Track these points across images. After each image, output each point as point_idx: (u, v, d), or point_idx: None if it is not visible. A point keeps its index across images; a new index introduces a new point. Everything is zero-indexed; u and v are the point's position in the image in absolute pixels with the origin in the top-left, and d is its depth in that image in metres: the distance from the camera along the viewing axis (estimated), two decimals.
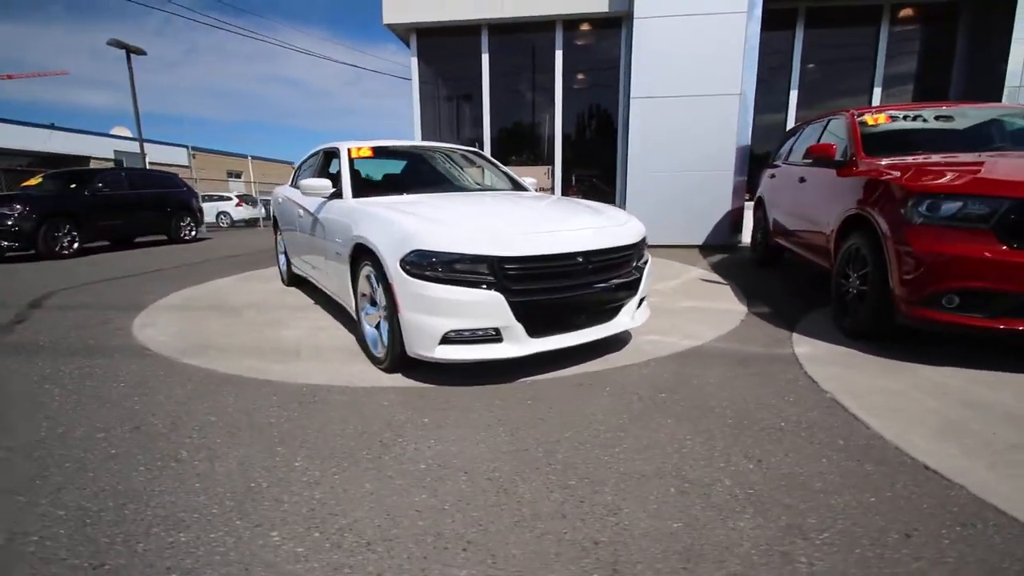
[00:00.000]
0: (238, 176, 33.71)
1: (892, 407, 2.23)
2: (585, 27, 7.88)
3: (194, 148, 29.71)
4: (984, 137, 3.84)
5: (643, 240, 2.92)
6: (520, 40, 8.15)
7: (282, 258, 5.23)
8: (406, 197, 3.24)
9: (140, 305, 4.37)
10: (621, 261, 2.73)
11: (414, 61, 8.22)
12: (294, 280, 4.92)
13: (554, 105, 8.13)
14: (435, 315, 2.32)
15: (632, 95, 7.07)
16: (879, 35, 7.45)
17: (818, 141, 4.52)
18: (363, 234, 2.64)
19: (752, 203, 7.10)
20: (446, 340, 2.35)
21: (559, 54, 7.96)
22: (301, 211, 3.95)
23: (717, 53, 6.80)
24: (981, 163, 2.92)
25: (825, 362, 2.78)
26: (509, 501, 1.58)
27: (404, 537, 1.42)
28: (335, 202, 3.29)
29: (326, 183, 3.32)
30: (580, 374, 2.66)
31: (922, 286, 2.67)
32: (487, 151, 8.14)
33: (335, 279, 3.33)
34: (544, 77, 8.14)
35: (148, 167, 15.11)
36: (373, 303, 2.88)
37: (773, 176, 5.51)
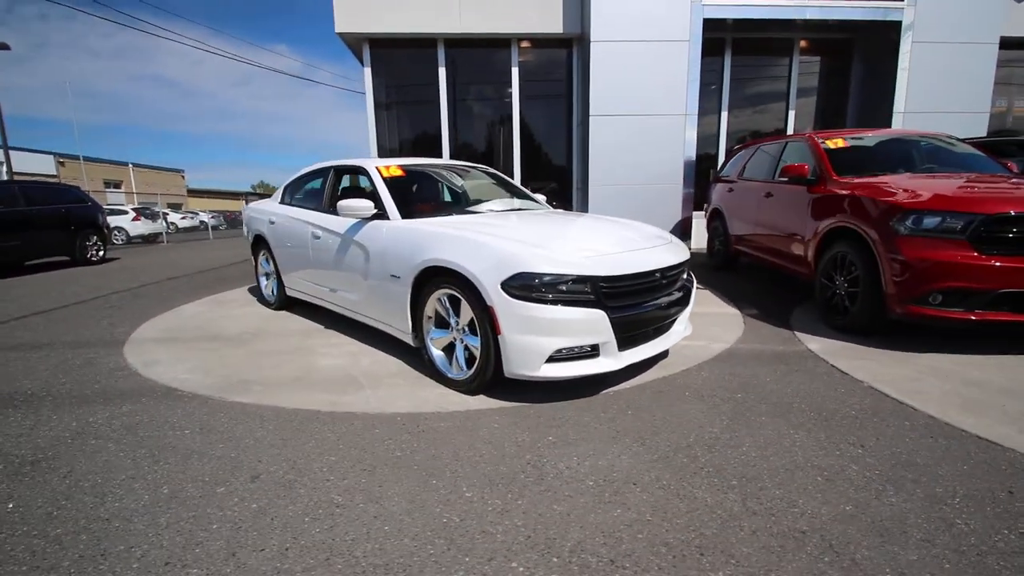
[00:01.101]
0: (117, 186, 30.03)
1: (918, 390, 2.67)
2: (540, 46, 8.18)
3: (63, 155, 25.97)
4: (911, 158, 4.62)
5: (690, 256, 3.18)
6: (477, 55, 8.26)
7: (264, 280, 4.87)
8: (457, 218, 3.24)
9: (114, 340, 3.86)
10: (680, 276, 2.97)
11: (367, 72, 8.00)
12: (284, 303, 4.61)
13: (512, 119, 8.33)
14: (542, 335, 2.39)
15: (591, 113, 7.47)
16: (791, 64, 8.56)
17: (778, 161, 5.16)
18: (445, 257, 2.62)
19: (701, 213, 7.82)
20: (551, 359, 2.42)
21: (515, 71, 8.18)
22: (318, 231, 3.74)
23: (666, 76, 7.42)
24: (943, 183, 3.56)
25: (841, 356, 3.21)
26: (698, 506, 1.72)
27: (639, 552, 1.50)
28: (381, 223, 3.19)
29: (367, 204, 3.21)
30: (652, 382, 2.85)
31: (912, 287, 3.20)
32: None
33: (377, 302, 3.22)
34: (501, 91, 8.31)
35: (12, 178, 13.10)
36: (442, 326, 2.85)
37: (731, 191, 6.13)
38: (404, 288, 2.94)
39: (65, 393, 2.81)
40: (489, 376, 2.57)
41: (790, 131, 8.70)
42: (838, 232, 3.86)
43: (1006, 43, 7.79)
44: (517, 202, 3.90)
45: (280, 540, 1.56)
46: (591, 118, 7.49)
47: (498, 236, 2.66)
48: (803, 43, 8.50)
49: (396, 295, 3.02)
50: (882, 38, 7.84)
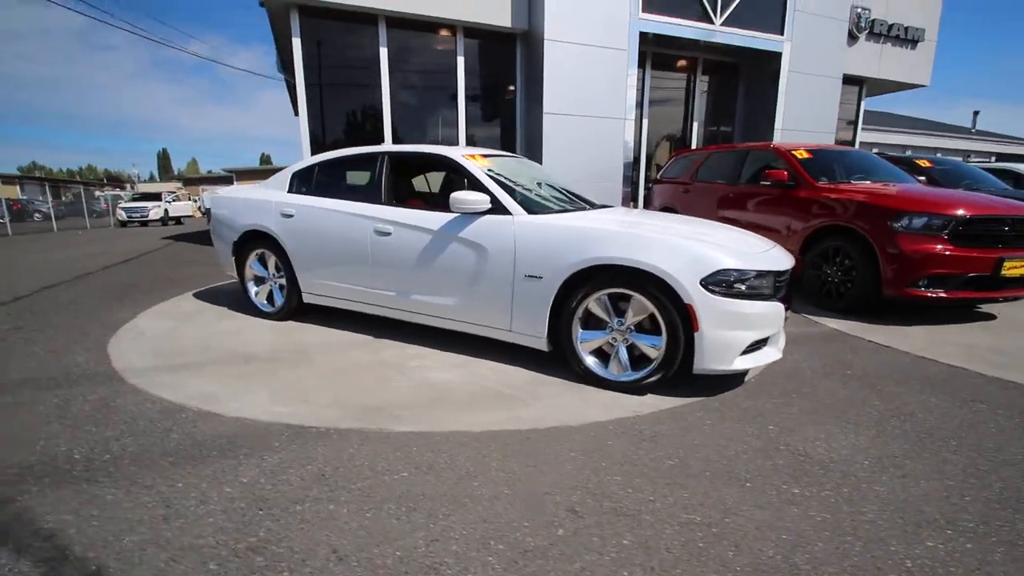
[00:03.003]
0: None
1: (942, 353, 3.36)
2: (487, 37, 7.99)
3: None
4: (853, 168, 5.57)
5: None
6: (421, 39, 7.74)
7: (255, 287, 4.04)
8: (589, 214, 3.13)
9: (94, 372, 2.86)
10: None
11: (297, 42, 6.95)
12: (294, 312, 3.88)
13: (457, 109, 8.01)
14: (740, 329, 2.47)
15: (545, 111, 7.59)
16: (695, 80, 9.73)
17: (741, 166, 5.91)
18: (627, 255, 2.51)
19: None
20: (744, 352, 2.52)
21: (461, 59, 7.88)
22: (386, 227, 3.23)
23: (610, 81, 7.88)
24: (912, 190, 4.47)
25: (867, 333, 3.85)
26: (962, 466, 1.99)
27: (985, 509, 1.70)
28: (503, 219, 2.89)
29: (483, 198, 2.90)
30: (767, 368, 3.10)
31: (905, 273, 3.99)
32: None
33: (494, 305, 2.94)
34: (446, 80, 7.93)
35: None
36: (595, 327, 2.74)
37: (687, 191, 6.80)
38: (547, 289, 2.75)
39: (140, 451, 2.04)
40: (671, 374, 2.57)
41: (695, 137, 9.90)
42: (828, 229, 4.60)
43: None
44: (584, 198, 3.85)
45: (712, 567, 1.42)
46: (545, 115, 7.60)
47: (672, 234, 2.65)
48: (704, 62, 9.71)
49: (531, 297, 2.81)
50: (764, 65, 9.35)
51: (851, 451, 2.11)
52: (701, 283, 2.42)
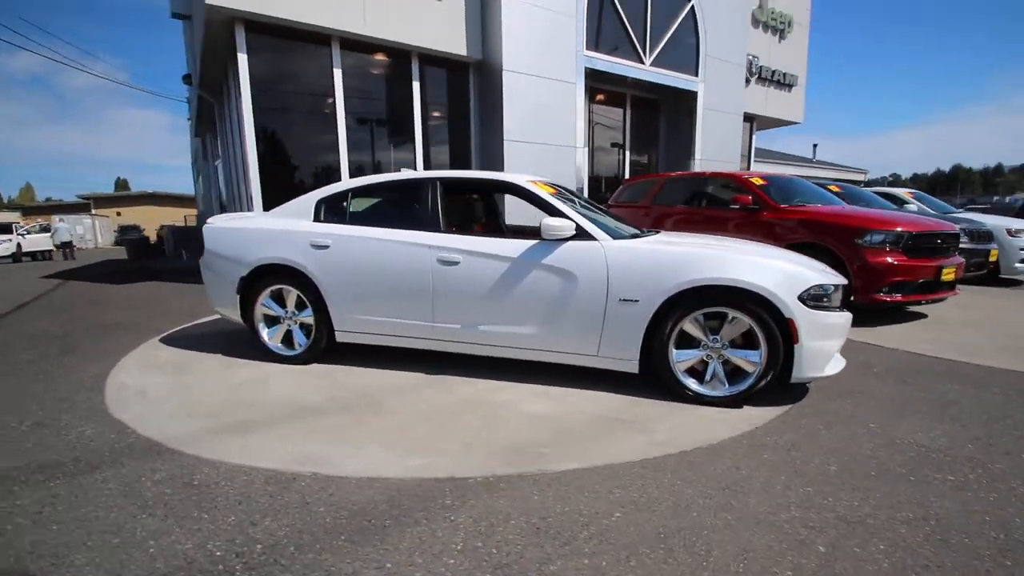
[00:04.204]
0: None
1: (921, 348, 3.97)
2: (441, 65, 7.95)
3: None
4: (796, 192, 6.39)
5: None
6: (376, 63, 7.48)
7: (268, 328, 3.58)
8: (657, 238, 3.20)
9: (138, 448, 2.32)
10: None
11: (243, 58, 6.35)
12: (320, 353, 3.48)
13: (414, 133, 7.83)
14: (831, 339, 2.72)
15: (506, 138, 7.72)
16: (625, 115, 10.52)
17: (699, 192, 6.51)
18: (728, 276, 2.64)
19: None
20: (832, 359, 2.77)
21: (416, 84, 7.75)
22: (453, 255, 3.05)
23: (562, 110, 8.25)
24: (863, 211, 5.23)
25: (856, 336, 4.39)
26: None
27: None
28: (589, 244, 2.89)
29: (569, 224, 2.88)
30: None
31: (872, 282, 4.67)
32: (344, 177, 7.09)
33: (581, 331, 2.92)
34: (402, 104, 7.73)
35: None
36: (687, 346, 2.83)
37: (646, 214, 7.27)
38: (643, 312, 2.80)
39: (296, 533, 1.70)
40: (760, 386, 2.73)
41: (627, 166, 10.65)
42: (798, 246, 5.20)
43: None
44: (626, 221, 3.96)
45: (967, 556, 1.54)
46: (505, 143, 7.72)
47: (752, 254, 2.85)
48: (632, 98, 10.56)
49: (625, 321, 2.84)
50: (683, 102, 10.41)
51: (949, 439, 2.41)
52: (799, 298, 2.64)
